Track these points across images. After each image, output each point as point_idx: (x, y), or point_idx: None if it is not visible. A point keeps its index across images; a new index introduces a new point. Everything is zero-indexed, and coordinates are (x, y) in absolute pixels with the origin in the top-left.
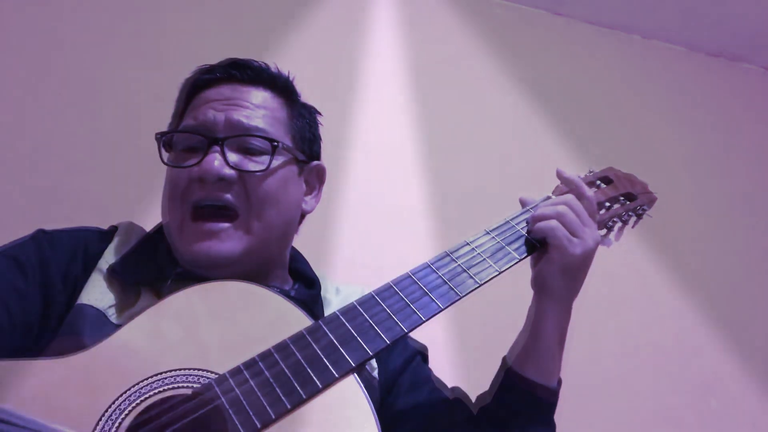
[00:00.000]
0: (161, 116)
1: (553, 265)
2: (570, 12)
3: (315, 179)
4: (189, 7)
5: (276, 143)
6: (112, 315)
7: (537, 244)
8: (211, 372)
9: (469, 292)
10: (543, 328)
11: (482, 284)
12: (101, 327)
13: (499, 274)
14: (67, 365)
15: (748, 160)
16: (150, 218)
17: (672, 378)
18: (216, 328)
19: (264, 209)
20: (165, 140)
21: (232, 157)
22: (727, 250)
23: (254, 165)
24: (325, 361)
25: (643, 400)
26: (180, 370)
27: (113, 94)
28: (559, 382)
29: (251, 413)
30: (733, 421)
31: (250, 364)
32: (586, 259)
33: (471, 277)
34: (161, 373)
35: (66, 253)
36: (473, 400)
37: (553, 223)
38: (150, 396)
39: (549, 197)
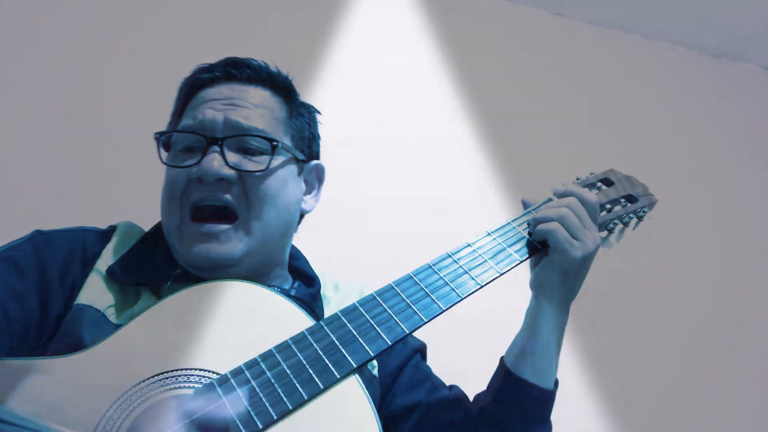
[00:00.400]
0: (160, 116)
1: (553, 267)
2: (570, 12)
3: (314, 179)
4: (188, 6)
5: (275, 143)
6: (111, 315)
7: (538, 246)
8: (213, 372)
9: (470, 293)
10: (540, 330)
11: (483, 285)
12: (100, 327)
13: (501, 275)
14: (67, 365)
15: (748, 160)
16: (149, 218)
17: (672, 378)
18: (217, 328)
19: (263, 209)
20: (164, 140)
21: (232, 157)
22: (727, 250)
23: (253, 165)
24: (326, 361)
25: (643, 400)
26: (181, 370)
27: (112, 93)
28: (556, 383)
29: (252, 413)
30: (734, 421)
31: (252, 365)
32: (586, 261)
33: (472, 278)
34: (162, 373)
35: (63, 254)
36: (471, 399)
37: (555, 225)
38: (151, 396)
39: (551, 199)
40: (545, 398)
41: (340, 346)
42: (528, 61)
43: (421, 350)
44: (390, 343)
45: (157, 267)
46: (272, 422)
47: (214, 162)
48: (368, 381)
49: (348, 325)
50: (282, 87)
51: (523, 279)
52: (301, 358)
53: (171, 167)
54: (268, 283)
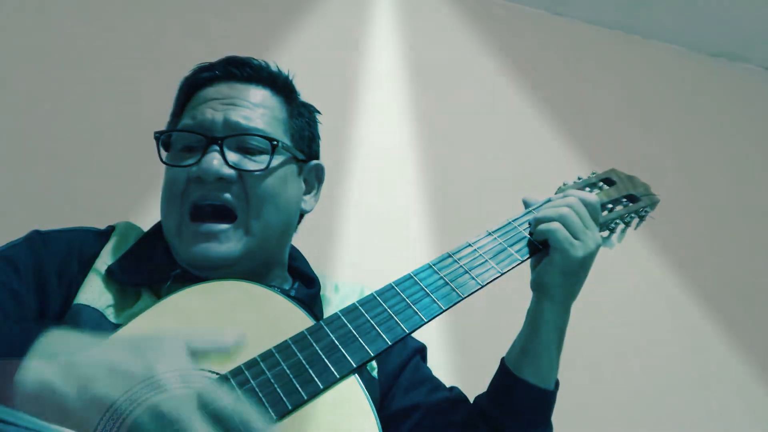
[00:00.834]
0: (160, 115)
1: (554, 267)
2: (570, 12)
3: (314, 178)
4: (188, 5)
5: (275, 142)
6: (110, 315)
7: (539, 246)
8: (213, 372)
9: (471, 293)
10: (541, 330)
11: (484, 285)
12: (100, 327)
13: (501, 275)
14: None
15: (748, 160)
16: (148, 218)
17: (672, 378)
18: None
19: (263, 209)
20: (163, 139)
21: (231, 156)
22: (728, 250)
23: (253, 164)
24: (326, 361)
25: (643, 400)
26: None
27: (111, 93)
28: (557, 383)
29: None
30: (734, 421)
31: (252, 365)
32: (587, 261)
33: (473, 278)
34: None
35: (61, 254)
36: (471, 400)
37: (556, 225)
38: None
39: (551, 199)
40: (546, 399)
41: (340, 346)
42: (528, 61)
43: (421, 351)
44: (390, 343)
45: (156, 267)
46: (272, 422)
47: (214, 161)
48: (367, 382)
49: (348, 325)
50: (282, 86)
51: (524, 279)
52: (301, 358)
53: (170, 167)
54: (268, 283)
